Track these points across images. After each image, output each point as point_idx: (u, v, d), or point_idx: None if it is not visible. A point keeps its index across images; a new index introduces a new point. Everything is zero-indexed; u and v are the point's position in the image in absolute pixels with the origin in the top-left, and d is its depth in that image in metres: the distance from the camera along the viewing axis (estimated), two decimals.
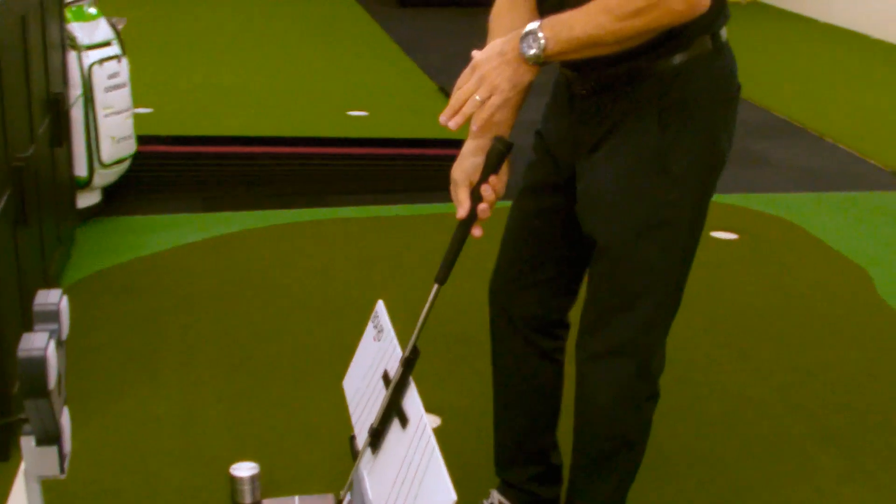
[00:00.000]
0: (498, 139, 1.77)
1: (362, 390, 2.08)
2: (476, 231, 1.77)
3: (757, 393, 2.85)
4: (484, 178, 1.77)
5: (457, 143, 1.95)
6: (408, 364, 1.80)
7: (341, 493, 2.20)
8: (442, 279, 1.78)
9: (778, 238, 4.03)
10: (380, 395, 1.97)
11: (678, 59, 1.69)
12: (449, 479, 1.55)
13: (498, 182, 1.77)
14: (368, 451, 1.87)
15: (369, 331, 2.19)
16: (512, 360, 2.04)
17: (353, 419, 2.08)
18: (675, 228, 1.76)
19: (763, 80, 6.34)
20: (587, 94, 1.77)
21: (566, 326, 2.03)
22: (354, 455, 2.03)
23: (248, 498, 2.28)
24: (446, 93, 5.38)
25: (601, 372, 1.82)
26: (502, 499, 2.15)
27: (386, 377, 1.91)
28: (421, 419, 1.73)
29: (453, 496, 1.52)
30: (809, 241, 3.99)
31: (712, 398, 2.83)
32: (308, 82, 5.90)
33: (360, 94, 5.58)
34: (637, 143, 1.73)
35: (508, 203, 2.00)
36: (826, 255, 3.88)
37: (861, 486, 2.45)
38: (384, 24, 7.64)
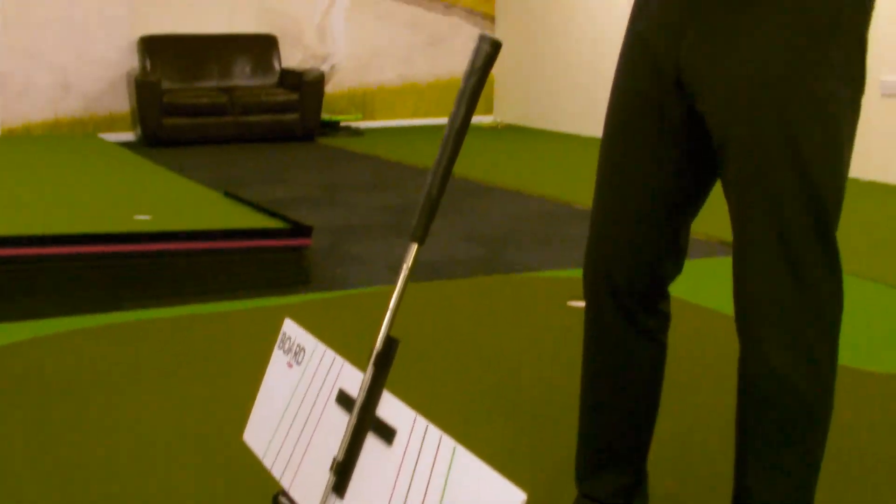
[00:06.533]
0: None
1: (284, 430, 1.57)
2: None
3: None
4: None
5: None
6: (381, 361, 1.32)
7: None
8: (421, 238, 1.33)
9: None
10: (323, 428, 1.47)
11: None
12: (501, 477, 1.09)
13: None
14: (332, 498, 1.35)
15: (278, 358, 1.69)
16: (612, 344, 1.66)
17: (276, 472, 1.56)
18: (838, 121, 1.42)
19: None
20: None
21: (668, 297, 1.69)
22: None
23: None
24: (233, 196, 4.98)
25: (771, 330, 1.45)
26: None
27: (343, 397, 1.42)
28: (415, 421, 1.26)
29: (521, 494, 1.06)
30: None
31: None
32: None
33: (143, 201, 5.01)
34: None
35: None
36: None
37: None
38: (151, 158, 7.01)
